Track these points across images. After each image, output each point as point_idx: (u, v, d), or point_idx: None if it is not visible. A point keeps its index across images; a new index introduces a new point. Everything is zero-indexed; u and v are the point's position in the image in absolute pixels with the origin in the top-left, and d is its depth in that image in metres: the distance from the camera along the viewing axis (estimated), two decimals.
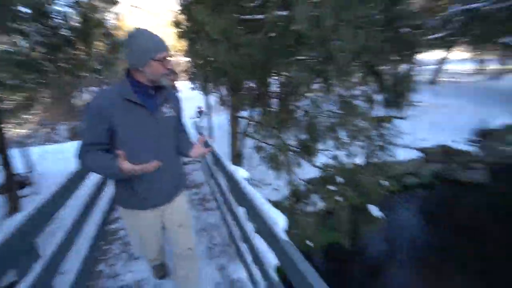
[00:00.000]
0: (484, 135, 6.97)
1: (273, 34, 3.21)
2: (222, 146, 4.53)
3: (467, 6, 8.15)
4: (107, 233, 2.12)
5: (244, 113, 5.21)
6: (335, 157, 3.97)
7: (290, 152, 4.04)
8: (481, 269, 3.45)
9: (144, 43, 1.02)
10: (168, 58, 1.08)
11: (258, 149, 4.35)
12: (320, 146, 3.82)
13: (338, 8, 2.62)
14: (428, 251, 3.88)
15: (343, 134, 3.75)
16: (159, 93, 1.15)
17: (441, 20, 9.03)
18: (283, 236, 0.95)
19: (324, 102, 3.78)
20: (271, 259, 1.27)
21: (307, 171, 4.56)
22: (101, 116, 1.03)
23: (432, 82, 12.51)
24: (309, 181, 4.42)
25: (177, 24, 4.48)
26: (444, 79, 12.87)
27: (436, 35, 9.10)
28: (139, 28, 1.04)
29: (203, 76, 4.67)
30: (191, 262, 1.40)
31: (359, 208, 4.04)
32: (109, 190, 2.32)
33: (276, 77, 4.52)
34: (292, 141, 4.10)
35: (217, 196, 2.32)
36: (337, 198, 3.84)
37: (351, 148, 3.90)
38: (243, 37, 3.19)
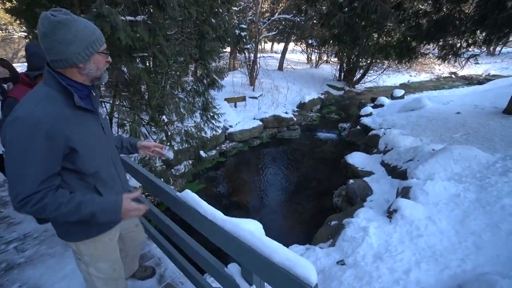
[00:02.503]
0: (301, 106, 10.28)
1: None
2: None
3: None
4: None
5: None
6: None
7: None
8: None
9: (84, 33, 0.82)
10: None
11: (120, 125, 4.83)
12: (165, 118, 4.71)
13: None
14: (265, 185, 5.85)
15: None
16: (94, 92, 1.00)
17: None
18: None
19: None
20: None
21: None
22: (53, 135, 0.79)
23: (279, 68, 15.94)
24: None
25: None
26: (287, 66, 16.61)
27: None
28: (67, 14, 0.80)
29: None
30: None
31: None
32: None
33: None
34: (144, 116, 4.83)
35: None
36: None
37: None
38: None
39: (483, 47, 5.38)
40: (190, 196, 1.26)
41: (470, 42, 5.21)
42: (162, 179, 3.88)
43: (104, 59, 0.93)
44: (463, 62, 5.57)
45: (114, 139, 1.27)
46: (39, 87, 0.86)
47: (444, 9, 5.55)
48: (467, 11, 5.10)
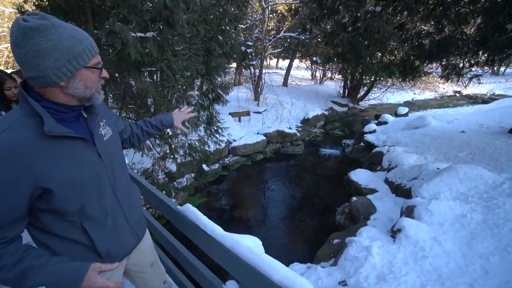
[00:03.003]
0: (305, 122, 10.33)
1: None
2: None
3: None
4: None
5: None
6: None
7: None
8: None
9: (67, 43, 0.65)
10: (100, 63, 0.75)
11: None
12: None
13: None
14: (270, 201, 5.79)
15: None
16: (90, 112, 0.82)
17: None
18: None
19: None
20: None
21: None
22: (14, 174, 0.63)
23: (284, 84, 16.21)
24: None
25: None
26: (292, 82, 16.90)
27: None
28: (45, 19, 0.64)
29: None
30: None
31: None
32: None
33: None
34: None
35: None
36: None
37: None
38: None
39: (485, 68, 5.44)
40: (191, 210, 1.27)
41: (472, 62, 5.28)
42: (164, 192, 3.89)
43: (95, 76, 0.74)
44: (466, 82, 5.61)
45: (137, 128, 1.19)
46: (13, 111, 0.70)
47: (446, 30, 5.68)
48: (468, 32, 5.21)
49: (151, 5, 3.76)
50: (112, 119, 0.98)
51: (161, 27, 3.89)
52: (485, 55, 4.94)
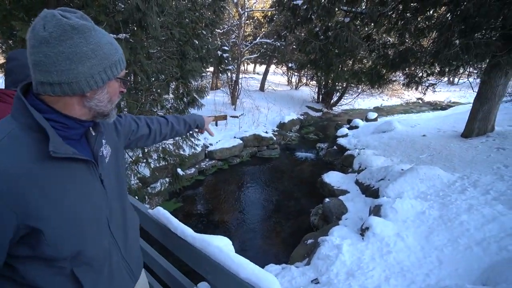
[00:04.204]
0: (281, 126, 10.57)
1: None
2: None
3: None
4: None
5: None
6: None
7: None
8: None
9: (106, 50, 0.59)
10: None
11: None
12: None
13: None
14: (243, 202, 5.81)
15: None
16: (96, 129, 0.71)
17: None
18: None
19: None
20: None
21: None
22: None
23: (261, 89, 16.43)
24: None
25: None
26: (268, 87, 17.18)
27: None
28: (86, 19, 0.57)
29: None
30: None
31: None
32: None
33: None
34: None
35: None
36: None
37: None
38: None
39: (439, 77, 6.01)
40: (162, 213, 1.27)
41: (429, 72, 5.81)
42: (136, 197, 3.76)
43: (120, 88, 0.67)
44: (424, 90, 6.15)
45: (167, 126, 1.07)
46: (4, 121, 0.56)
47: (407, 42, 6.21)
48: (425, 45, 5.74)
49: (123, 6, 3.67)
50: (112, 132, 0.83)
51: (134, 29, 3.81)
52: (438, 66, 5.48)
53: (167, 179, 5.44)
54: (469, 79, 5.73)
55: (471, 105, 6.02)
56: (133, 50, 3.66)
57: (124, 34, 3.59)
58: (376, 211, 3.83)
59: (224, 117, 9.72)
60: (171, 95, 5.10)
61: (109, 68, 0.60)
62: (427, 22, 5.21)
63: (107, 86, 0.62)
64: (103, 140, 0.73)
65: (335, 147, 8.24)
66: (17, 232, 0.52)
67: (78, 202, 0.61)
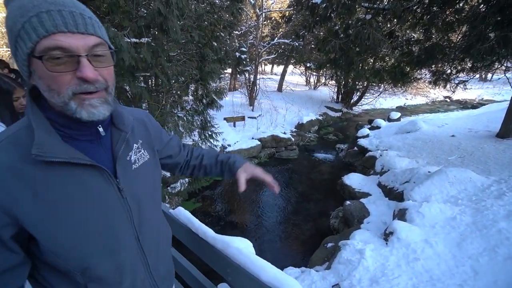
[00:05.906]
0: (299, 127, 10.43)
1: None
2: None
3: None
4: None
5: None
6: None
7: None
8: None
9: (14, 15, 0.45)
10: None
11: None
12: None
13: None
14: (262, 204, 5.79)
15: None
16: (117, 129, 0.62)
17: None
18: None
19: None
20: None
21: None
22: None
23: (279, 90, 16.35)
24: None
25: None
26: (286, 88, 17.06)
27: None
28: None
29: None
30: None
31: None
32: None
33: None
34: None
35: None
36: None
37: None
38: None
39: (471, 74, 5.62)
40: (183, 213, 1.28)
41: (458, 69, 5.45)
42: None
43: (55, 72, 0.45)
44: (453, 87, 5.78)
45: (207, 160, 0.96)
46: (20, 120, 0.54)
47: (434, 38, 5.87)
48: (455, 40, 5.39)
49: (145, 11, 3.80)
50: (155, 140, 0.74)
51: (156, 33, 3.93)
52: (470, 62, 5.11)
53: (186, 179, 5.55)
54: (506, 74, 5.29)
55: (508, 102, 5.56)
56: (154, 54, 3.78)
57: (146, 38, 3.71)
58: (400, 215, 3.64)
59: (242, 118, 9.76)
60: (190, 97, 5.21)
61: (16, 40, 0.45)
62: (456, 16, 4.88)
63: (32, 68, 0.47)
64: (135, 144, 0.65)
65: (355, 148, 7.97)
66: (15, 229, 0.49)
67: (83, 212, 0.53)
